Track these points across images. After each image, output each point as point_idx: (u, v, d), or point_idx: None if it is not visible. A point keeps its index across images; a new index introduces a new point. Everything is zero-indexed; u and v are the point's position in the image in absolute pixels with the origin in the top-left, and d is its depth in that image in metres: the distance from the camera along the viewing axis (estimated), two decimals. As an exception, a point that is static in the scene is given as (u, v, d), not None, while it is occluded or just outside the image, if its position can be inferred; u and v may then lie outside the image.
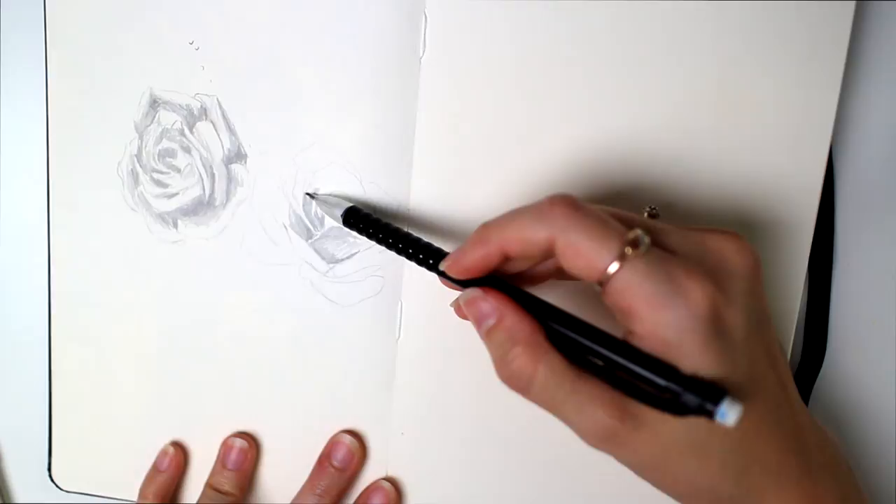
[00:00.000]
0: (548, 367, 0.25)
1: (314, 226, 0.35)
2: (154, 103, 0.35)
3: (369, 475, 0.38)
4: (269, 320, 0.36)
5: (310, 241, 0.36)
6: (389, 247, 0.31)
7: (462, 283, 0.28)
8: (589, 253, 0.24)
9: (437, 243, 0.30)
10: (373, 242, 0.32)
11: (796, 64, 0.31)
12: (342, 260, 0.36)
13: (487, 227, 0.26)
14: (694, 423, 0.24)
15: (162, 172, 0.36)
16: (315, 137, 0.35)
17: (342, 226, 0.33)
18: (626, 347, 0.24)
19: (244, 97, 0.35)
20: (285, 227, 0.36)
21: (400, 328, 0.35)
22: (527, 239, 0.25)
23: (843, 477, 0.28)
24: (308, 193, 0.35)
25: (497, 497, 0.37)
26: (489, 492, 0.37)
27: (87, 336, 0.38)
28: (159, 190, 0.36)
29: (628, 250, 0.23)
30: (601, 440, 0.25)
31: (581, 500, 0.36)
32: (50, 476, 0.40)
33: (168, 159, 0.36)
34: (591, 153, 0.33)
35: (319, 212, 0.35)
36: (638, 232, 0.24)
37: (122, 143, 0.36)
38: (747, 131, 0.32)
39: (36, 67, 0.36)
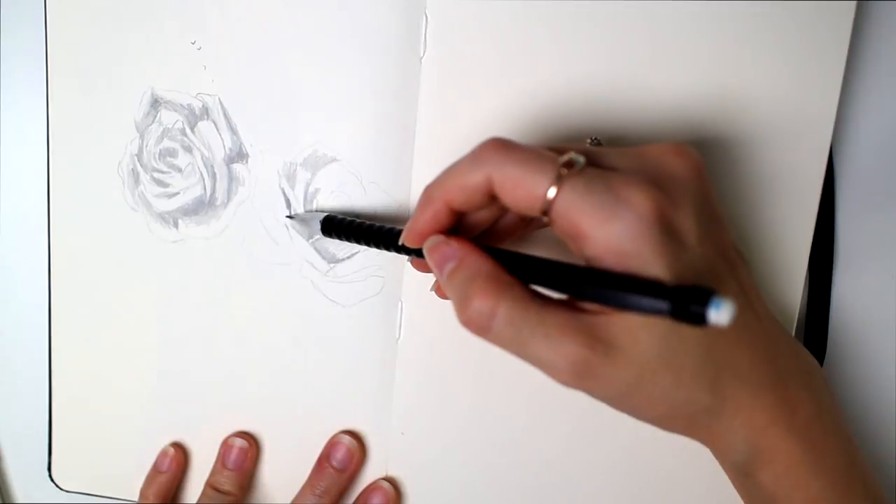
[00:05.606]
0: (510, 300, 0.24)
1: (315, 225, 0.35)
2: (155, 103, 0.35)
3: (369, 475, 0.38)
4: (270, 320, 0.36)
5: (311, 240, 0.36)
6: (370, 245, 0.31)
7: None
8: (525, 182, 0.23)
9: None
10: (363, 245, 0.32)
11: (796, 64, 0.31)
12: (343, 260, 0.36)
13: (429, 186, 0.26)
14: (665, 337, 0.23)
15: (163, 172, 0.36)
16: (316, 137, 0.35)
17: (322, 236, 0.34)
18: (597, 275, 0.23)
19: (246, 97, 0.35)
20: (286, 226, 0.36)
21: (400, 328, 0.36)
22: (466, 185, 0.25)
23: (817, 385, 0.28)
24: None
25: (497, 497, 0.37)
26: (489, 492, 0.37)
27: (87, 336, 0.38)
28: (160, 189, 0.36)
29: (563, 171, 0.23)
30: (575, 375, 0.23)
31: (580, 499, 0.36)
32: (50, 476, 0.40)
33: (169, 159, 0.36)
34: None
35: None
36: (571, 154, 0.23)
37: (123, 143, 0.36)
38: (747, 131, 0.32)
39: (36, 67, 0.36)
